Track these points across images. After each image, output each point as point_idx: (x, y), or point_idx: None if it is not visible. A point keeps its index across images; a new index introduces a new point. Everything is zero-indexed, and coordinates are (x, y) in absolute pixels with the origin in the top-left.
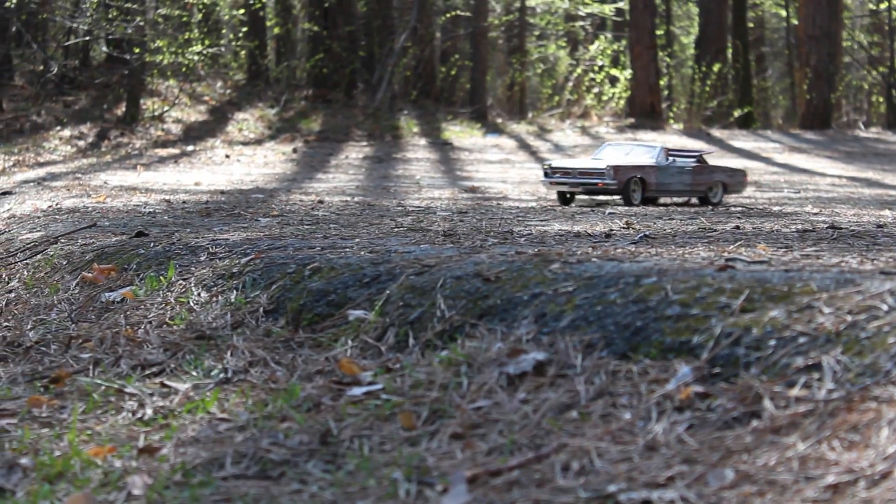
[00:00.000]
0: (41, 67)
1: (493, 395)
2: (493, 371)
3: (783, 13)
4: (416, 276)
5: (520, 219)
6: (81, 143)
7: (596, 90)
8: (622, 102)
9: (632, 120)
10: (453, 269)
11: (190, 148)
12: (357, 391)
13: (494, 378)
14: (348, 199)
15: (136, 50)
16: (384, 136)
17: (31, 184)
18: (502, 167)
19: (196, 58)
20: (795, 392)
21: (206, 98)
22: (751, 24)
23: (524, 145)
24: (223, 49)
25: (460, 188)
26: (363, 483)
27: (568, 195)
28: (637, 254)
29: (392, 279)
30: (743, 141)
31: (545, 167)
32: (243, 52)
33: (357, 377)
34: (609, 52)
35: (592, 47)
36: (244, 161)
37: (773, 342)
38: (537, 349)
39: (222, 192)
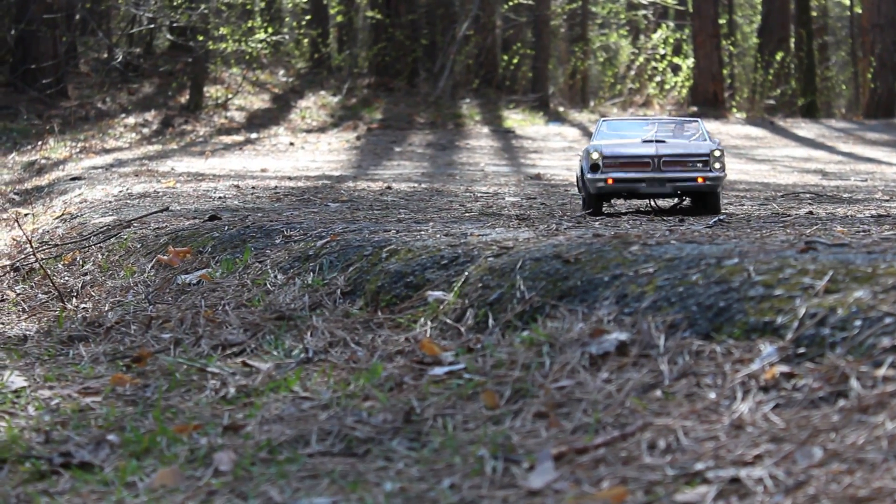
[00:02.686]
0: (105, 55)
1: (576, 374)
2: (575, 351)
3: (847, 2)
4: (495, 257)
5: None
6: (146, 131)
7: (658, 79)
8: (684, 91)
9: (694, 109)
10: (532, 251)
11: (254, 135)
12: (439, 371)
13: (577, 358)
14: (415, 185)
15: (200, 38)
16: (446, 124)
17: (100, 169)
18: (565, 155)
19: (259, 45)
20: (882, 372)
21: (269, 86)
22: (814, 13)
23: (587, 134)
24: (286, 37)
25: (525, 175)
26: (449, 460)
27: (602, 204)
28: (715, 236)
29: (470, 261)
30: (806, 130)
31: (594, 157)
32: (306, 41)
33: (438, 357)
34: (671, 40)
35: (655, 36)
36: (308, 148)
37: (858, 322)
38: (619, 329)
39: (289, 178)
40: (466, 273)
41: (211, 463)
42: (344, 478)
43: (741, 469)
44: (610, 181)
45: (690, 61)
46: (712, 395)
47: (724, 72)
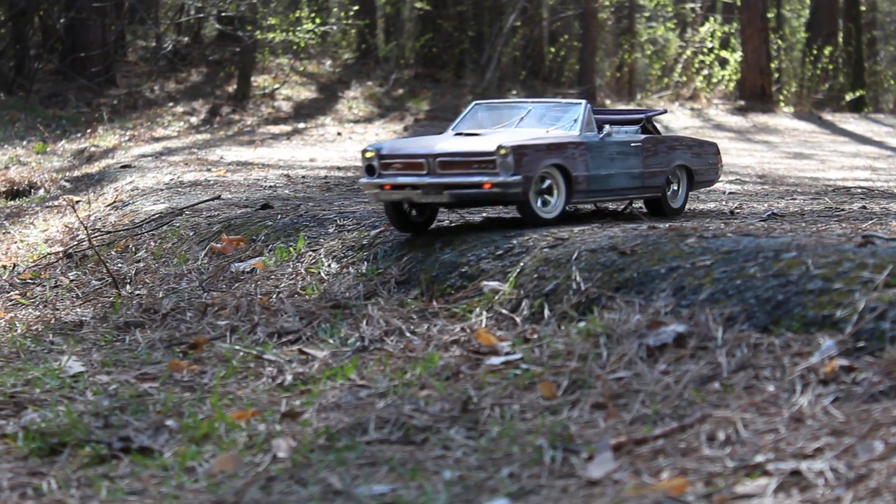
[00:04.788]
0: (154, 44)
1: (634, 366)
2: (632, 342)
3: None
4: (550, 248)
5: None
6: (194, 120)
7: (705, 72)
8: (732, 85)
9: (742, 102)
10: (587, 243)
11: (301, 125)
12: (495, 360)
13: (634, 349)
14: None
15: (248, 27)
16: None
17: (149, 158)
18: None
19: (306, 36)
20: None
21: (316, 76)
22: (862, 8)
23: None
24: (333, 27)
25: None
26: (507, 449)
27: (413, 214)
28: (771, 230)
29: (525, 252)
30: (854, 125)
31: (367, 156)
32: (353, 31)
33: (495, 347)
34: (719, 34)
35: (702, 29)
36: (356, 139)
37: None
38: (677, 321)
39: (338, 168)
40: (522, 263)
41: (269, 449)
42: (403, 465)
43: (801, 462)
44: (387, 187)
45: (738, 55)
46: (771, 388)
47: (772, 66)
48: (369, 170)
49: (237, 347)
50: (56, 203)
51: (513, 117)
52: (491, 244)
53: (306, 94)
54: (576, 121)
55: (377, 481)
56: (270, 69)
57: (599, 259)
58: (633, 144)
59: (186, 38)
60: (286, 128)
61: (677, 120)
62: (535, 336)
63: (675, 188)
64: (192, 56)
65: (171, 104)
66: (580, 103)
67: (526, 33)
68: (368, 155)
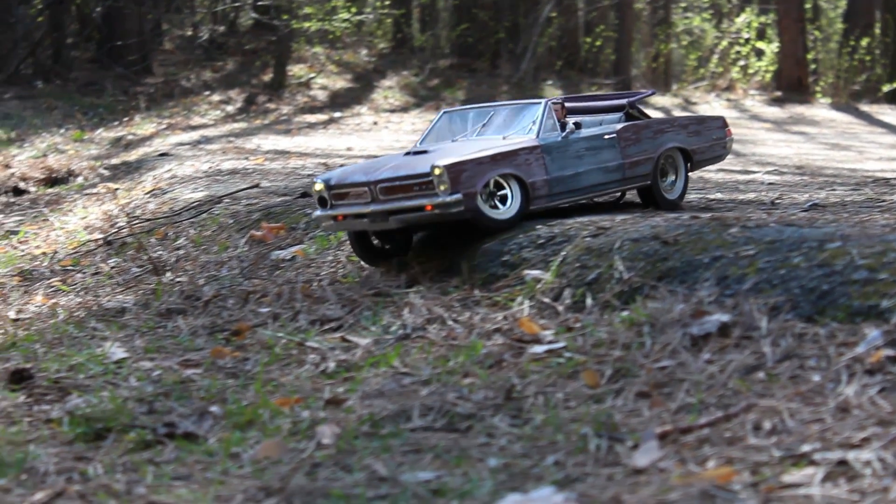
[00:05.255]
0: (190, 33)
1: (677, 355)
2: (676, 331)
3: None
4: (592, 237)
5: None
6: (230, 108)
7: (741, 63)
8: (768, 76)
9: (778, 93)
10: (630, 232)
11: (337, 114)
12: (539, 349)
13: (678, 338)
14: None
15: (284, 16)
16: None
17: (186, 146)
18: None
19: (342, 25)
20: None
21: (352, 65)
22: None
23: None
24: (369, 17)
25: None
26: (551, 438)
27: (377, 242)
28: (814, 220)
29: (567, 241)
30: (892, 116)
31: (317, 188)
32: (388, 21)
33: (537, 335)
34: (755, 24)
35: (739, 20)
36: (392, 128)
37: None
38: (721, 311)
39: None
40: (564, 252)
41: (314, 436)
42: (447, 452)
43: (848, 452)
44: (340, 218)
45: (775, 46)
46: (817, 378)
47: (809, 57)
48: (321, 202)
49: (280, 334)
50: (94, 190)
51: (476, 125)
52: (532, 233)
53: (342, 83)
54: (534, 122)
55: (422, 468)
56: (306, 58)
57: (642, 248)
58: (606, 136)
59: (222, 28)
60: (322, 117)
61: (713, 111)
62: (578, 325)
63: (673, 179)
64: (228, 45)
65: (207, 93)
66: (539, 103)
67: (562, 23)
68: (318, 188)
